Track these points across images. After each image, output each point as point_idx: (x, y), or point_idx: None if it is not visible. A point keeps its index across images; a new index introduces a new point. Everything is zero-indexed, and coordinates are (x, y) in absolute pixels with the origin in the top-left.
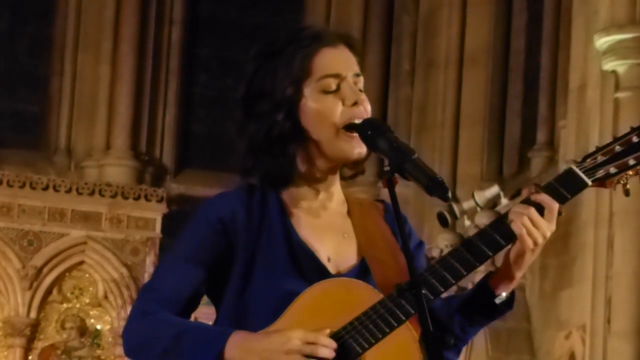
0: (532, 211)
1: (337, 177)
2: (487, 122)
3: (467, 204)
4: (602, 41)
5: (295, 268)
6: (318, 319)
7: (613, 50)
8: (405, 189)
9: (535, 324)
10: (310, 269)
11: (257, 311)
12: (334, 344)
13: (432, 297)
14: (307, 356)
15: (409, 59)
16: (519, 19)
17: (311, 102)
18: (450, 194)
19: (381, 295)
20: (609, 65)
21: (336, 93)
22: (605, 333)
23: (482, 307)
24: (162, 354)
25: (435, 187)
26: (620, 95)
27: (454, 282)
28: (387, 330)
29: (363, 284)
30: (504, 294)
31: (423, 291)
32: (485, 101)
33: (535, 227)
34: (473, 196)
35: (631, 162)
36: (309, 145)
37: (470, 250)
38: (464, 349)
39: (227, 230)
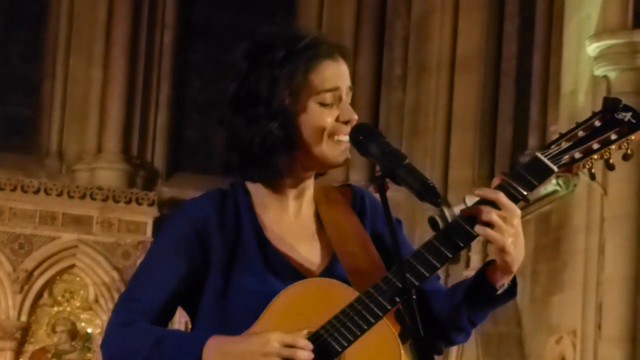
0: (489, 211)
1: (311, 181)
2: (478, 126)
3: (458, 209)
4: (594, 46)
5: (272, 274)
6: (296, 320)
7: (605, 56)
8: (397, 194)
9: (526, 328)
10: (286, 277)
11: (239, 315)
12: (310, 346)
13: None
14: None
15: (401, 63)
16: (511, 24)
17: (308, 113)
18: (441, 200)
19: (357, 293)
20: (600, 70)
21: (331, 107)
22: (596, 338)
23: (484, 298)
24: None
25: (426, 192)
26: None
27: (427, 275)
28: (365, 327)
29: (339, 283)
30: (505, 285)
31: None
32: (477, 106)
33: (495, 228)
34: (464, 200)
35: (595, 146)
36: (296, 154)
37: (443, 242)
38: (454, 354)
39: (201, 239)
